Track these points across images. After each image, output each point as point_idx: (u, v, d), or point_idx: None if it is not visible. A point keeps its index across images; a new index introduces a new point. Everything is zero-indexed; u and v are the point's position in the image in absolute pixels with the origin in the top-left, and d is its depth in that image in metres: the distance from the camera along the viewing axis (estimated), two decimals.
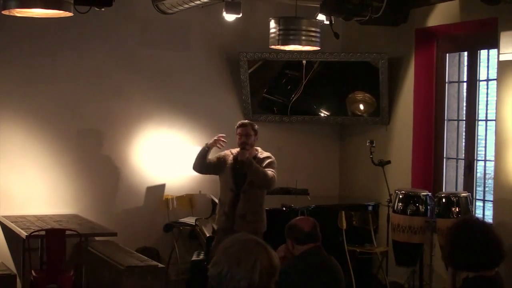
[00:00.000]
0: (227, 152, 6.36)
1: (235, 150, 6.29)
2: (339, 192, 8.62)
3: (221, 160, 6.31)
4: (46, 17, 5.18)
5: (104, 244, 7.16)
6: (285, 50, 7.24)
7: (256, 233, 5.78)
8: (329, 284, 4.32)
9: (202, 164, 6.31)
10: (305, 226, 4.39)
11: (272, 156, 6.26)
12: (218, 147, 6.31)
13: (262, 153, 6.27)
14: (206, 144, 6.30)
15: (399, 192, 6.83)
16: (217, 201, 6.56)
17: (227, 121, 6.41)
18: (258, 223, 6.18)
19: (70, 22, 6.47)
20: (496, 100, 6.52)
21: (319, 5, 5.99)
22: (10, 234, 7.09)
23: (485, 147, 7.05)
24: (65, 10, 4.75)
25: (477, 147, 7.12)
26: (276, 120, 8.27)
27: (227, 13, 6.72)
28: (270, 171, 6.11)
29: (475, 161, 7.13)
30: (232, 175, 6.20)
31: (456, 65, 7.41)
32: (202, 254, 7.19)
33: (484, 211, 7.03)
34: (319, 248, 4.39)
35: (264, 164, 6.15)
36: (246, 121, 6.30)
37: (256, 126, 6.28)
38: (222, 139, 6.29)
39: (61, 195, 7.55)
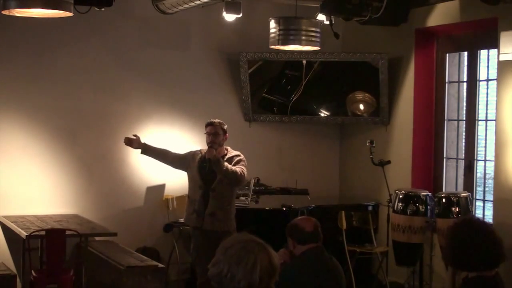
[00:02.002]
0: (197, 151, 6.38)
1: (205, 150, 6.27)
2: (339, 192, 8.62)
3: (189, 157, 6.34)
4: (46, 17, 5.18)
5: (104, 244, 7.16)
6: (285, 50, 7.24)
7: (226, 232, 5.84)
8: (330, 284, 4.32)
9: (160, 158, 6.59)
10: (307, 226, 4.39)
11: (241, 154, 6.25)
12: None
13: (231, 152, 6.26)
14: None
15: (399, 192, 6.82)
16: None
17: (227, 121, 6.38)
18: (228, 221, 6.17)
19: (70, 22, 6.47)
20: (496, 100, 6.52)
21: (319, 5, 5.98)
22: (10, 234, 7.08)
23: (485, 147, 7.05)
24: (65, 10, 4.75)
25: (477, 147, 7.12)
26: (276, 120, 8.27)
27: (227, 13, 6.72)
28: (238, 168, 6.09)
29: (475, 161, 7.13)
30: (199, 173, 6.20)
31: (456, 65, 7.41)
32: None
33: (484, 211, 7.03)
34: (320, 248, 4.39)
35: (233, 162, 6.15)
36: (215, 120, 6.27)
37: (225, 126, 6.25)
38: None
39: (61, 195, 7.55)
